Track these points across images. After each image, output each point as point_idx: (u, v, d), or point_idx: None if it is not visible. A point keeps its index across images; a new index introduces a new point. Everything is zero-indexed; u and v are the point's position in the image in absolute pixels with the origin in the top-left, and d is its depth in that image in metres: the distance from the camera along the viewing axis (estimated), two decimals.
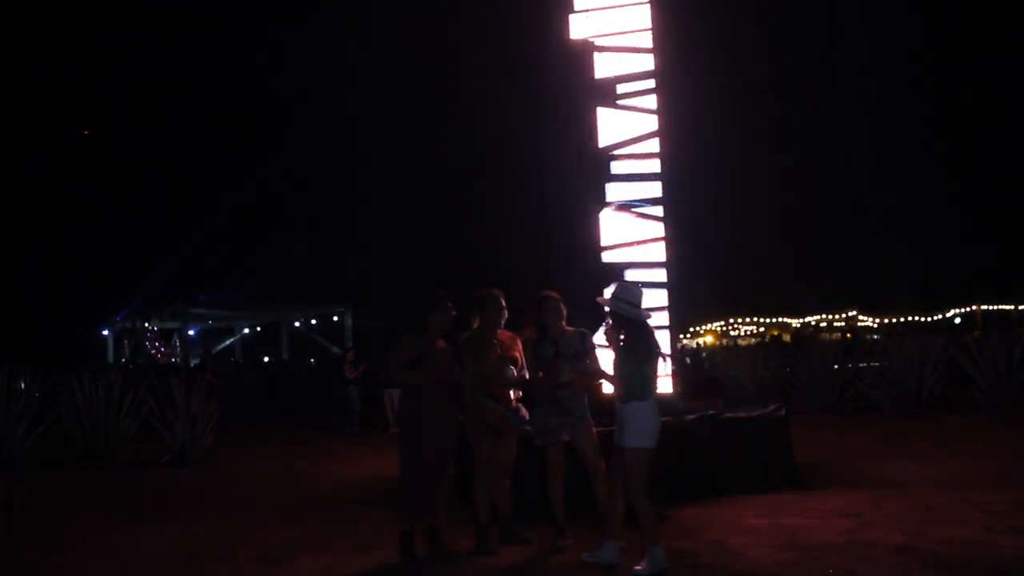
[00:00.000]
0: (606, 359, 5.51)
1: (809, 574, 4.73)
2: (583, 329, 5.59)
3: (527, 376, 5.63)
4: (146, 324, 28.29)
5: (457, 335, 5.61)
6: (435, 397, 5.39)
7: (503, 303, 5.63)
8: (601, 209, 7.41)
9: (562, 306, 5.58)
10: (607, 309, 5.12)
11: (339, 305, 29.00)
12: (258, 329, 32.92)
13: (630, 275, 7.26)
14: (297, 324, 30.63)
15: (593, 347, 5.57)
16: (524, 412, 5.58)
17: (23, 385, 11.29)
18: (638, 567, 4.84)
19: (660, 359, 5.06)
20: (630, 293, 5.11)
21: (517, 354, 5.65)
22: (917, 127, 34.48)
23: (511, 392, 5.57)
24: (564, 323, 5.58)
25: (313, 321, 30.64)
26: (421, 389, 5.38)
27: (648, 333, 5.09)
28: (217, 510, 7.52)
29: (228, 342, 31.55)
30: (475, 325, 5.68)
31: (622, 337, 5.05)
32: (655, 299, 7.05)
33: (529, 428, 5.57)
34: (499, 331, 5.63)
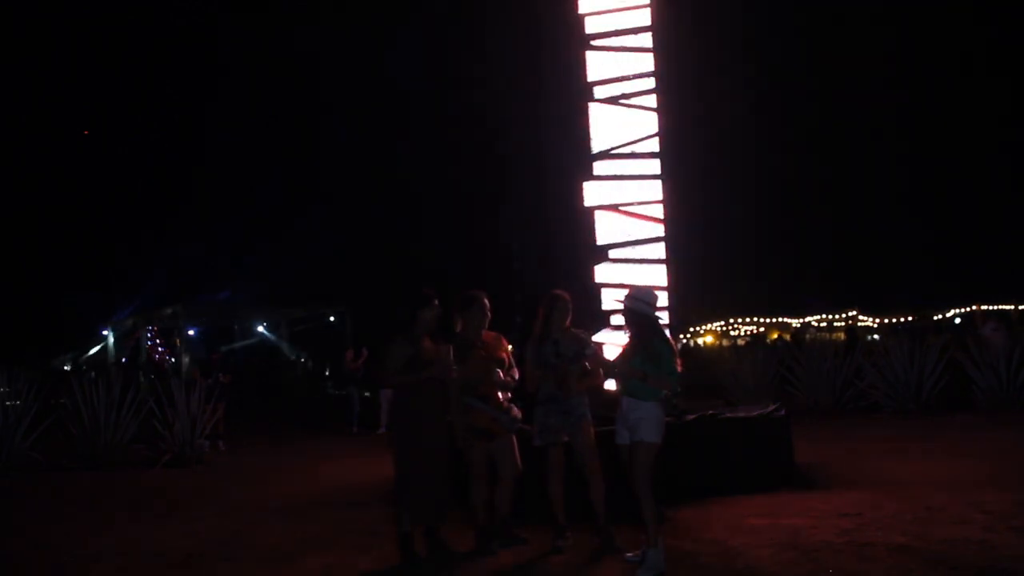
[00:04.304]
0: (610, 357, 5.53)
1: (809, 574, 4.73)
2: (583, 330, 5.58)
3: (516, 376, 5.62)
4: (146, 324, 28.29)
5: (443, 334, 5.61)
6: (430, 396, 5.39)
7: (487, 304, 5.62)
8: (600, 209, 7.41)
9: (570, 308, 5.58)
10: (624, 306, 5.23)
11: (339, 305, 28.96)
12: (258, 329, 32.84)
13: (627, 275, 7.27)
14: (264, 329, 30.44)
15: (593, 348, 5.57)
16: (516, 412, 5.56)
17: (23, 385, 11.29)
18: (630, 554, 5.05)
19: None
20: (647, 295, 5.25)
21: (504, 355, 5.62)
22: (917, 127, 34.47)
23: (500, 393, 5.55)
24: (568, 324, 5.58)
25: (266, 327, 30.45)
26: (416, 389, 5.38)
27: (663, 332, 5.26)
28: (217, 510, 7.52)
29: (239, 343, 31.39)
30: (458, 328, 5.66)
31: (632, 333, 5.17)
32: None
33: (526, 427, 5.56)
34: (483, 332, 5.62)
